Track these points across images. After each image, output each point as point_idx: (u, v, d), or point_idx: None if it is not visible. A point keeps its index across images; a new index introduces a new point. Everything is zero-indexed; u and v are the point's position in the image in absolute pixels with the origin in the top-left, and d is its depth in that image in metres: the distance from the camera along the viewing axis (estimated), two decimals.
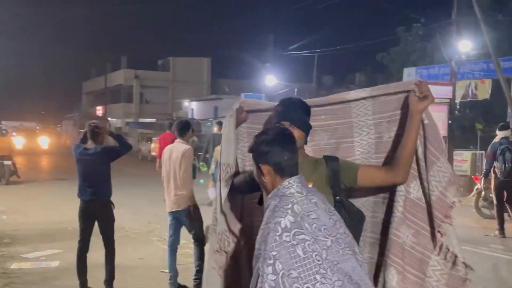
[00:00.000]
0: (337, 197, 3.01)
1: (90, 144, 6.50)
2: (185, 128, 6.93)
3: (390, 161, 3.13)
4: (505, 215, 10.83)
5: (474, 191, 12.63)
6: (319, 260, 2.25)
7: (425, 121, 3.08)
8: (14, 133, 38.56)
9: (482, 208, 12.54)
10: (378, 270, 3.18)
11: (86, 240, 6.55)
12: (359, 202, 3.25)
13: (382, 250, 3.19)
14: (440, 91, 22.70)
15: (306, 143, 3.14)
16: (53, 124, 46.89)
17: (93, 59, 56.97)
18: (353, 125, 3.30)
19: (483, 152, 16.52)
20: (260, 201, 3.06)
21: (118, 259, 6.74)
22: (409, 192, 3.12)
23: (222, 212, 3.41)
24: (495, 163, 10.74)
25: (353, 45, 47.86)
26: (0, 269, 7.58)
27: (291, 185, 2.48)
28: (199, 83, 55.29)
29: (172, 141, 7.31)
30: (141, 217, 12.16)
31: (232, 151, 3.37)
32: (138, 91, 55.81)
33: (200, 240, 6.74)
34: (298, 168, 2.61)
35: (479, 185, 12.26)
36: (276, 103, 3.26)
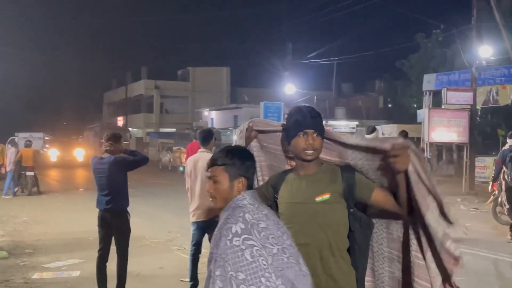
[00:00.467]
0: (351, 210, 2.99)
1: (105, 154, 6.56)
2: (208, 136, 6.95)
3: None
4: None
5: (491, 198, 12.71)
6: (265, 265, 2.40)
7: (411, 178, 2.88)
8: (46, 145, 38.60)
9: (499, 213, 12.52)
10: None
11: (105, 250, 6.57)
12: (373, 215, 3.20)
13: (405, 268, 3.12)
14: (461, 97, 22.58)
15: None
16: (75, 135, 47.10)
17: (113, 70, 57.39)
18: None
19: None
20: None
21: (138, 268, 6.78)
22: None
23: None
24: (504, 169, 10.93)
25: (372, 53, 47.63)
26: (22, 279, 7.65)
27: (245, 198, 2.66)
28: (218, 92, 55.46)
29: None
30: (161, 226, 12.20)
31: None
32: (158, 101, 56.13)
33: None
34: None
35: (496, 191, 12.29)
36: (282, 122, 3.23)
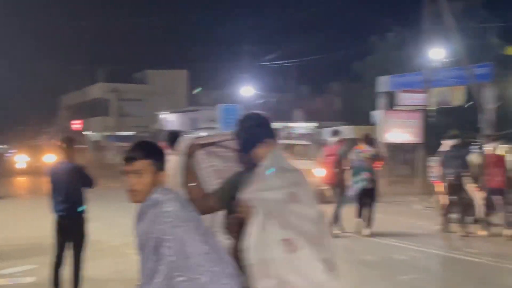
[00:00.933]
0: None
1: (61, 159, 6.54)
2: (177, 139, 6.94)
3: None
4: None
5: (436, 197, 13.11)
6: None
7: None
8: (13, 151, 37.22)
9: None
10: None
11: (61, 255, 6.55)
12: None
13: None
14: (414, 99, 23.09)
15: None
16: (31, 139, 46.02)
17: (70, 73, 56.29)
18: None
19: None
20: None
21: (94, 272, 6.77)
22: None
23: None
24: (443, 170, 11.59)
25: (329, 54, 48.22)
26: None
27: (166, 192, 2.84)
28: (176, 95, 55.19)
29: None
30: (118, 230, 12.12)
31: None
32: (116, 104, 55.50)
33: None
34: None
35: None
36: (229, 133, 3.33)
